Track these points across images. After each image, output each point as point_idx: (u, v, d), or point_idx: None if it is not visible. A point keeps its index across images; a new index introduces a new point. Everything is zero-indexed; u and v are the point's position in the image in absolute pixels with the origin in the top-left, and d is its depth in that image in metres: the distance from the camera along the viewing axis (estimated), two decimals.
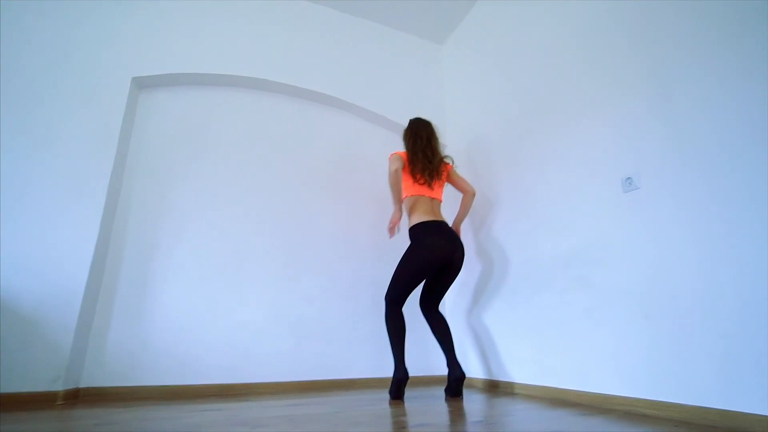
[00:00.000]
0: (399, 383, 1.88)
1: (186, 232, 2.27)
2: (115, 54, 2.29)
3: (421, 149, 2.14)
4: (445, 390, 2.00)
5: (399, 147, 3.02)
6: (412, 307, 2.14)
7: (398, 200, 2.06)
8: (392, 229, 2.07)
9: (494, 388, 2.23)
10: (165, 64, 2.41)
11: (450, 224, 2.17)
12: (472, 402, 1.84)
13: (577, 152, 1.92)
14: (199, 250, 2.26)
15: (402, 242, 2.74)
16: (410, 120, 2.33)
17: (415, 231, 2.04)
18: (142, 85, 2.40)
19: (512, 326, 2.20)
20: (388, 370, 2.46)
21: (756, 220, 1.26)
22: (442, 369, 2.63)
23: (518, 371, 2.11)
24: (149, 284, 2.13)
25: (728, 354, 1.28)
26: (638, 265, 1.58)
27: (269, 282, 2.37)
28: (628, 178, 1.65)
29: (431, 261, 1.96)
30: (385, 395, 2.01)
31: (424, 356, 2.60)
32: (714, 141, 1.39)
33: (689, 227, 1.44)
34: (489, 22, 2.82)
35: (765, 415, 1.17)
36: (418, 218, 2.05)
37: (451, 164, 2.30)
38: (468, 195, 2.28)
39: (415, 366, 2.48)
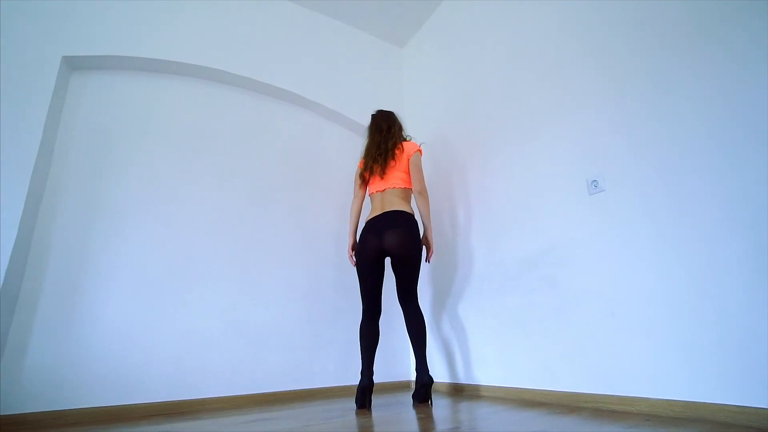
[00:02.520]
0: (364, 391, 1.79)
1: (124, 231, 2.02)
2: (44, 28, 2.00)
3: (376, 143, 2.10)
4: (413, 396, 1.93)
5: (358, 146, 2.95)
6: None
7: (353, 229, 2.11)
8: (352, 258, 2.10)
9: (459, 392, 2.21)
10: (103, 44, 2.15)
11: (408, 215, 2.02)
12: (441, 408, 1.80)
13: (543, 155, 1.96)
14: (139, 252, 2.02)
15: None
16: (372, 114, 2.26)
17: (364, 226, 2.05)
18: (74, 65, 2.12)
19: (477, 328, 2.20)
20: (351, 378, 2.36)
21: (712, 221, 1.34)
22: (404, 374, 2.59)
23: (484, 373, 2.11)
24: (80, 291, 1.86)
25: (689, 347, 1.35)
26: (603, 265, 1.64)
27: (221, 287, 2.18)
28: (594, 180, 1.70)
29: (363, 258, 1.96)
30: (351, 405, 1.92)
31: (387, 362, 2.53)
32: (674, 145, 1.47)
33: (651, 228, 1.50)
34: (450, 28, 2.85)
35: (725, 404, 1.24)
36: (365, 220, 2.07)
37: (412, 143, 2.11)
38: (413, 192, 2.04)
39: (378, 372, 2.39)
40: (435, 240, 2.56)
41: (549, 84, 2.00)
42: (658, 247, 1.47)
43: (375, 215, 2.00)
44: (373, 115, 2.25)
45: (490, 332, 2.12)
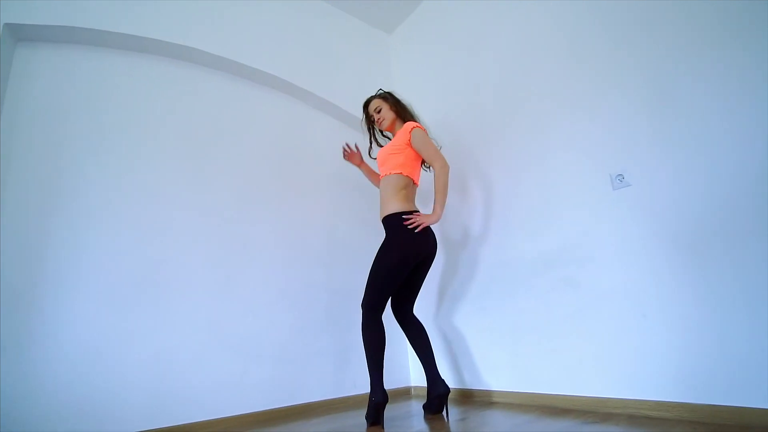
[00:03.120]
0: (378, 407, 1.63)
1: (88, 234, 1.72)
2: None
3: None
4: (425, 406, 1.80)
5: (348, 136, 2.75)
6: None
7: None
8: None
9: (468, 397, 2.09)
10: (55, 12, 1.81)
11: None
12: (459, 419, 1.67)
13: (560, 147, 1.86)
14: (106, 258, 1.73)
15: (358, 241, 2.49)
16: (391, 92, 2.09)
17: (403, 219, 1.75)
18: (20, 35, 1.77)
19: (485, 331, 2.08)
20: (349, 388, 2.19)
21: (747, 216, 1.29)
22: (404, 380, 2.44)
23: (495, 378, 2.00)
24: (36, 306, 1.55)
25: (729, 349, 1.29)
26: (632, 264, 1.56)
27: (202, 295, 1.91)
28: (619, 174, 1.62)
29: (414, 255, 1.73)
30: (356, 419, 1.75)
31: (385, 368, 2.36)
32: (710, 137, 1.41)
33: (682, 224, 1.44)
34: (444, 12, 2.69)
35: None
36: (410, 206, 1.82)
37: None
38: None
39: None
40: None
41: (564, 70, 1.89)
42: (691, 245, 1.41)
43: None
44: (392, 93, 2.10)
45: (500, 335, 2.01)
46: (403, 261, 1.71)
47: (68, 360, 1.56)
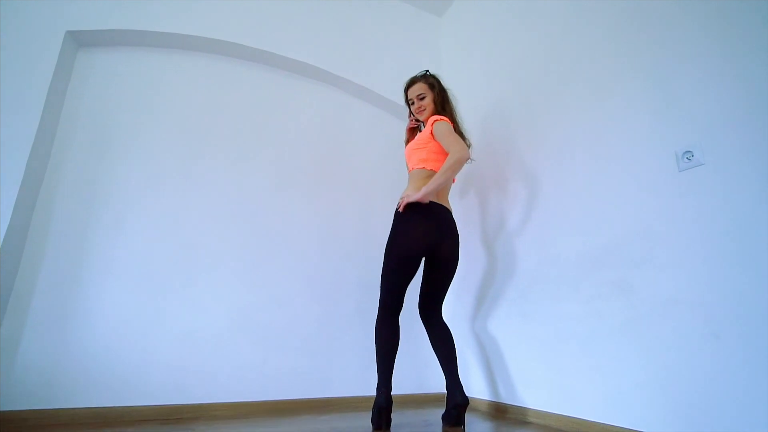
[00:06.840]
0: (380, 411, 1.50)
1: (127, 220, 1.85)
2: (47, 1, 1.88)
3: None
4: (443, 417, 1.61)
5: (389, 126, 2.65)
6: (404, 312, 1.72)
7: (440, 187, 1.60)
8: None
9: (502, 413, 1.84)
10: (111, 16, 1.99)
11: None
12: None
13: (614, 122, 1.53)
14: (142, 243, 1.85)
15: None
16: (438, 78, 1.92)
17: (416, 208, 1.60)
18: (80, 41, 1.98)
19: (524, 340, 1.81)
20: (373, 388, 2.06)
21: None
22: (437, 386, 2.25)
23: (532, 395, 1.73)
24: (77, 284, 1.71)
25: None
26: (701, 267, 1.20)
27: (230, 282, 1.96)
28: (687, 152, 1.26)
29: (413, 247, 1.59)
30: (369, 420, 1.63)
31: (419, 371, 2.21)
32: None
33: None
34: None
35: None
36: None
37: None
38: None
39: (405, 382, 2.09)
40: (473, 232, 2.20)
41: (622, 33, 1.55)
42: None
43: (438, 203, 1.66)
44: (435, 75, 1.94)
45: (541, 346, 1.72)
46: (402, 253, 1.59)
47: (104, 336, 1.69)
